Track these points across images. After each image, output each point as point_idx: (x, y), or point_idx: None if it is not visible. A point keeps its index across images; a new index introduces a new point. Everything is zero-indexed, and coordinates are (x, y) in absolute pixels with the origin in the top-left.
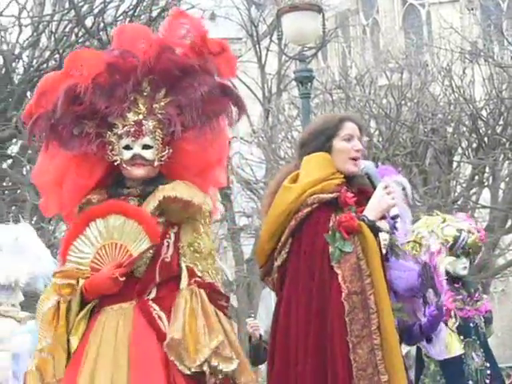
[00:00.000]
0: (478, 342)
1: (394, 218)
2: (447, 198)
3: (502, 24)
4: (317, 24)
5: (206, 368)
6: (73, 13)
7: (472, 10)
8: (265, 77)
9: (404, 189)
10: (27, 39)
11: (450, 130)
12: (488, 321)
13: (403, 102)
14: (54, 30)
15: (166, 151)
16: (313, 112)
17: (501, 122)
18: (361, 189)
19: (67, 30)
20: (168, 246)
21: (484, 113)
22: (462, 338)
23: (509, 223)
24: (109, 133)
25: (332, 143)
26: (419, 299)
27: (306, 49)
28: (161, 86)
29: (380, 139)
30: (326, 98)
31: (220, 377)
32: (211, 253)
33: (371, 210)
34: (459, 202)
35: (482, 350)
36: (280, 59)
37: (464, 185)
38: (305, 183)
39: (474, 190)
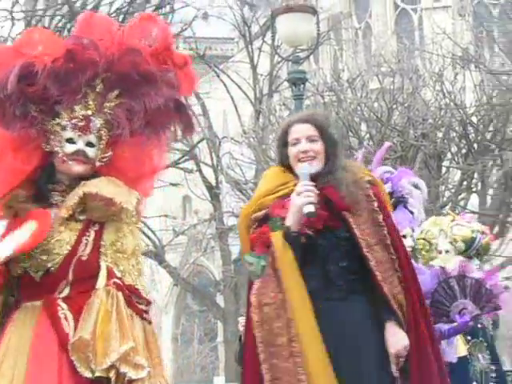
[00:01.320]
0: (486, 343)
1: (309, 215)
2: (436, 202)
3: (494, 31)
4: (310, 26)
5: (112, 374)
6: (66, 8)
7: (464, 16)
8: (256, 77)
9: (420, 190)
10: (19, 33)
11: (440, 135)
12: (495, 325)
13: (394, 106)
14: (46, 25)
15: (109, 153)
16: None
17: (491, 129)
18: (322, 188)
19: (60, 25)
20: (86, 244)
21: (474, 119)
22: (469, 338)
23: (496, 229)
24: (52, 121)
25: (287, 151)
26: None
27: (298, 50)
28: (115, 87)
29: (371, 142)
30: (318, 100)
31: None
32: (135, 253)
33: (288, 216)
34: (447, 207)
35: (488, 352)
36: (272, 60)
37: (453, 190)
38: (247, 205)
39: (462, 196)
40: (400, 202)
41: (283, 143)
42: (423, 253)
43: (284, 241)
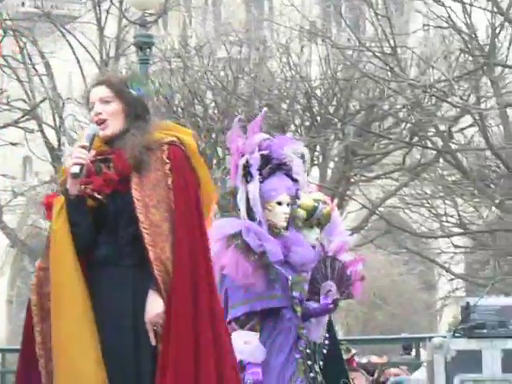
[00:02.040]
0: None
1: (73, 176)
2: None
3: (341, 6)
4: None
5: None
6: None
7: None
8: (103, 40)
9: (303, 158)
10: None
11: (284, 106)
12: None
13: (240, 76)
14: None
15: None
16: (150, 79)
17: (334, 103)
18: (113, 151)
19: None
20: None
21: (318, 92)
22: None
23: (335, 202)
24: None
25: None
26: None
27: (147, 14)
28: None
29: (216, 111)
30: (164, 66)
31: None
32: None
33: (67, 179)
34: None
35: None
36: (120, 23)
37: None
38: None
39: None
40: (280, 168)
41: (90, 109)
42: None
43: (62, 206)
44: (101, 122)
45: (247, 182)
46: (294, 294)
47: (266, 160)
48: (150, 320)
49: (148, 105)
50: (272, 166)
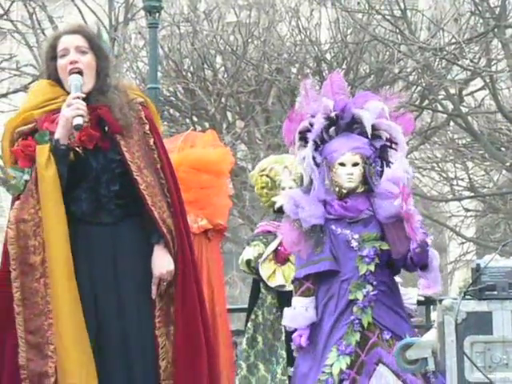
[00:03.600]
0: None
1: (76, 128)
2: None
3: None
4: None
5: None
6: None
7: None
8: (112, 4)
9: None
10: None
11: (294, 70)
12: None
13: (250, 40)
14: None
15: None
16: (159, 43)
17: (344, 66)
18: (94, 107)
19: None
20: None
21: (328, 56)
22: None
23: None
24: None
25: (56, 64)
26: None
27: None
28: None
29: (225, 75)
30: (174, 31)
31: None
32: None
33: (57, 129)
34: None
35: None
36: None
37: None
38: (11, 118)
39: None
40: (350, 128)
41: (51, 57)
42: (266, 191)
43: (49, 156)
44: (78, 71)
45: (303, 147)
46: (363, 252)
47: (335, 121)
48: (162, 275)
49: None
50: (339, 125)
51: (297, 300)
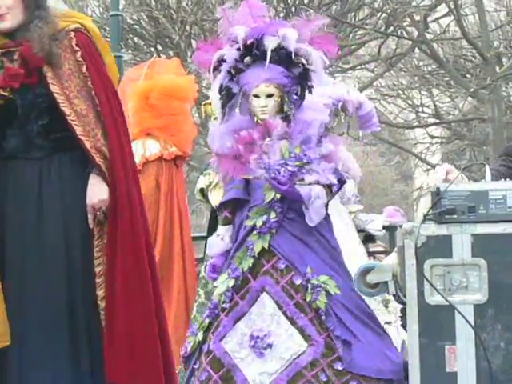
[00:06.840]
0: None
1: None
2: None
3: None
4: None
5: None
6: None
7: None
8: None
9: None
10: None
11: None
12: None
13: None
14: None
15: None
16: None
17: None
18: (19, 43)
19: None
20: None
21: None
22: None
23: None
24: None
25: None
26: None
27: None
28: None
29: (189, 3)
30: None
31: None
32: None
33: None
34: None
35: None
36: None
37: None
38: None
39: None
40: (265, 57)
41: None
42: None
43: None
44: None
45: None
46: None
47: (251, 50)
48: (94, 204)
49: None
50: (254, 55)
51: (218, 229)
